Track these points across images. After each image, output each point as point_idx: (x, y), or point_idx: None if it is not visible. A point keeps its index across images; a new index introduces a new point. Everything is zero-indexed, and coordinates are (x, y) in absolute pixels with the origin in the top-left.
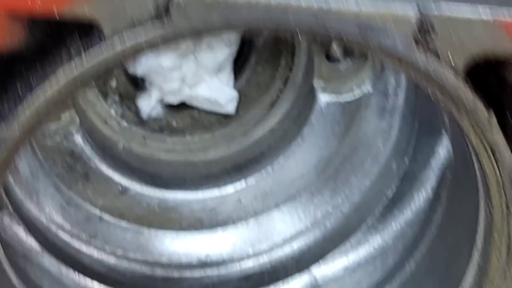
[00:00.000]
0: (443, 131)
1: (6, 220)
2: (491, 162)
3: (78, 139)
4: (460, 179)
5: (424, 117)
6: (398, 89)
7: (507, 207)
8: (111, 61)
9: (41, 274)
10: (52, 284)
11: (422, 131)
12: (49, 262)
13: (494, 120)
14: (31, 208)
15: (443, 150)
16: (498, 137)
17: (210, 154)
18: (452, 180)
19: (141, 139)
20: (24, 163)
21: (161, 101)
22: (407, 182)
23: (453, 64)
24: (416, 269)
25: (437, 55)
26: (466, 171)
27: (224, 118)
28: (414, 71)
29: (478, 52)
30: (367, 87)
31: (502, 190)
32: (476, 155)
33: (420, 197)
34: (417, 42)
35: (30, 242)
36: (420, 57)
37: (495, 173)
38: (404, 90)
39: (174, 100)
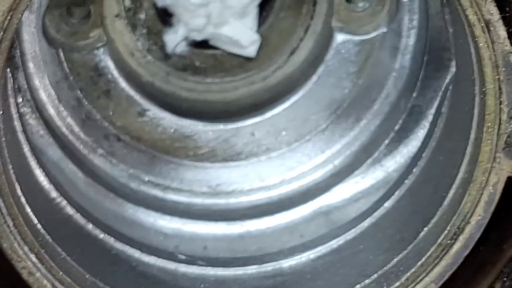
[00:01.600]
0: (450, 62)
1: (28, 116)
2: (485, 37)
3: (104, 56)
4: (461, 87)
5: (433, 52)
6: (412, 29)
7: (500, 88)
8: None
9: (58, 171)
10: (65, 180)
11: (430, 66)
12: (65, 164)
13: None
14: (53, 115)
15: (448, 77)
16: (493, 11)
17: (229, 96)
18: (453, 90)
19: (164, 75)
20: (50, 72)
21: (187, 39)
22: (413, 115)
23: None
24: (414, 182)
25: None
26: (467, 77)
27: (246, 61)
28: None
29: None
30: (383, 29)
31: (495, 67)
32: (472, 32)
33: (425, 125)
34: None
35: (49, 141)
36: None
37: (489, 48)
38: (417, 29)
39: (198, 37)
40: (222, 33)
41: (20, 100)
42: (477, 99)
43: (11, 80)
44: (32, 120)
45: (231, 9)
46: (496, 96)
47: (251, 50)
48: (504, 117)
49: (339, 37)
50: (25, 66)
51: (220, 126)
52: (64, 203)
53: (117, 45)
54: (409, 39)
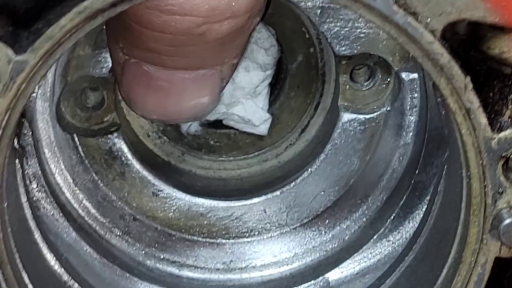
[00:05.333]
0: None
1: (43, 201)
2: (467, 123)
3: (118, 140)
4: (452, 169)
5: (433, 130)
6: (413, 108)
7: (483, 172)
8: None
9: (72, 253)
10: (79, 262)
11: (431, 144)
12: (80, 246)
13: (470, 84)
14: (69, 198)
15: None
16: (473, 99)
17: (243, 173)
18: (447, 170)
19: (180, 154)
20: (66, 157)
21: None
22: (416, 191)
23: (430, 26)
24: (414, 259)
25: (416, 17)
26: (457, 159)
27: (258, 139)
28: (396, 32)
29: (455, 16)
30: (387, 107)
31: (478, 153)
32: (455, 118)
33: (426, 202)
34: (396, 2)
35: (64, 225)
36: (400, 18)
37: (471, 135)
38: (418, 107)
39: (211, 117)
40: (234, 113)
41: (34, 186)
42: (464, 182)
43: (20, 171)
44: (47, 205)
45: (243, 90)
46: (480, 180)
47: (263, 129)
48: (489, 200)
49: (345, 116)
50: (39, 152)
51: (233, 204)
52: (76, 286)
53: (133, 127)
54: (412, 117)
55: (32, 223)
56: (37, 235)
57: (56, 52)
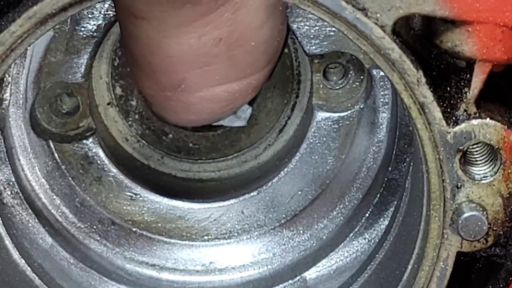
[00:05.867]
0: None
1: (18, 207)
2: (422, 118)
3: (94, 145)
4: (417, 164)
5: (403, 127)
6: (385, 105)
7: (441, 167)
8: None
9: (48, 259)
10: (54, 268)
11: (402, 141)
12: (56, 251)
13: (422, 78)
14: (46, 204)
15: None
16: (427, 93)
17: (223, 175)
18: (413, 167)
19: (159, 157)
20: (42, 163)
21: None
22: (390, 188)
23: (380, 21)
24: (384, 256)
25: (365, 12)
26: (418, 155)
27: (237, 141)
28: (347, 28)
29: (405, 11)
30: (360, 105)
31: (434, 147)
32: (410, 113)
33: (398, 198)
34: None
35: (40, 230)
36: (348, 14)
37: (426, 129)
38: (390, 104)
39: None
40: None
41: (8, 192)
42: (424, 177)
43: None
44: (22, 211)
45: None
46: (438, 174)
47: (243, 119)
48: (448, 195)
49: (319, 115)
50: (13, 159)
51: (211, 205)
52: None
53: (111, 131)
54: (384, 114)
55: (1, 229)
56: (7, 241)
57: (8, 57)
